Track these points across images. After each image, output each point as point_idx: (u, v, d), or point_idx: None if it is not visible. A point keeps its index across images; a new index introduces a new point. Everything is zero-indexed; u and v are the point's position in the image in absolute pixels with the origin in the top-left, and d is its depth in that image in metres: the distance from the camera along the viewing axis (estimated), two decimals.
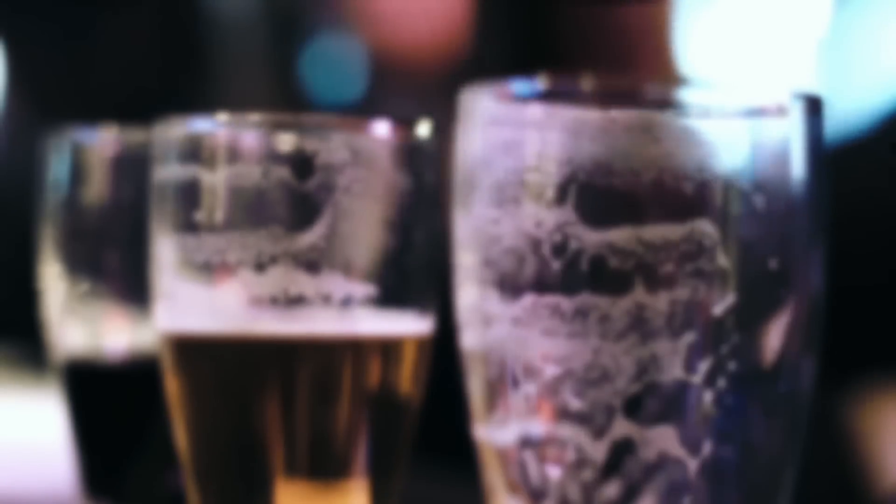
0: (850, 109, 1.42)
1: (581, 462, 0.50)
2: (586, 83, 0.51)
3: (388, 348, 0.58)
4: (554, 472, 0.51)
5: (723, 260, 0.50)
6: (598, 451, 0.50)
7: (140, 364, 0.73)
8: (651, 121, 0.50)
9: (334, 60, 1.67)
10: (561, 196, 0.50)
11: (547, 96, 0.51)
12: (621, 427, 0.50)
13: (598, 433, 0.50)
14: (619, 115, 0.50)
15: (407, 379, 0.59)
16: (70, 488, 0.76)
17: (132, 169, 0.73)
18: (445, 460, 0.93)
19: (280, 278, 0.57)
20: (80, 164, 0.75)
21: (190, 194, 0.58)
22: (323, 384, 0.57)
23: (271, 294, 0.57)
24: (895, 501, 1.19)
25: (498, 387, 0.52)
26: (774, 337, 0.51)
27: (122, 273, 0.74)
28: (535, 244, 0.50)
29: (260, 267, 0.57)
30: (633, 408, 0.50)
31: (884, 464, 1.25)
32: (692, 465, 0.50)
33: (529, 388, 0.51)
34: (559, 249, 0.50)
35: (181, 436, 0.59)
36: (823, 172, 0.52)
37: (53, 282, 0.75)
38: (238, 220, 0.57)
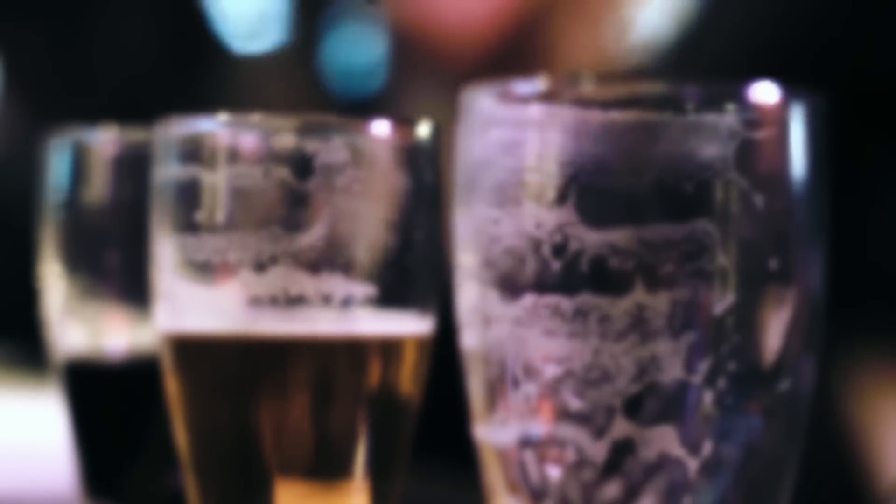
0: None
1: (581, 462, 0.50)
2: (586, 83, 0.51)
3: (388, 348, 0.58)
4: (554, 472, 0.51)
5: (723, 260, 0.50)
6: (599, 451, 0.50)
7: (140, 364, 0.73)
8: (651, 121, 0.50)
9: (356, 49, 1.66)
10: (561, 196, 0.50)
11: (547, 96, 0.51)
12: (621, 427, 0.50)
13: (599, 433, 0.50)
14: (619, 115, 0.50)
15: (407, 379, 0.59)
16: (70, 488, 0.76)
17: (132, 169, 0.73)
18: (445, 460, 0.93)
19: (280, 278, 0.57)
20: (80, 164, 0.75)
21: (190, 194, 0.58)
22: (323, 384, 0.57)
23: (271, 294, 0.57)
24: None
25: (498, 387, 0.52)
26: (774, 337, 0.51)
27: (122, 273, 0.74)
28: (536, 244, 0.50)
29: (260, 267, 0.57)
30: (634, 408, 0.50)
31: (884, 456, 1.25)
32: (692, 465, 0.50)
33: (529, 389, 0.51)
34: (559, 250, 0.50)
35: (181, 436, 0.59)
36: (823, 171, 0.52)
37: (53, 282, 0.75)
38: (238, 220, 0.57)
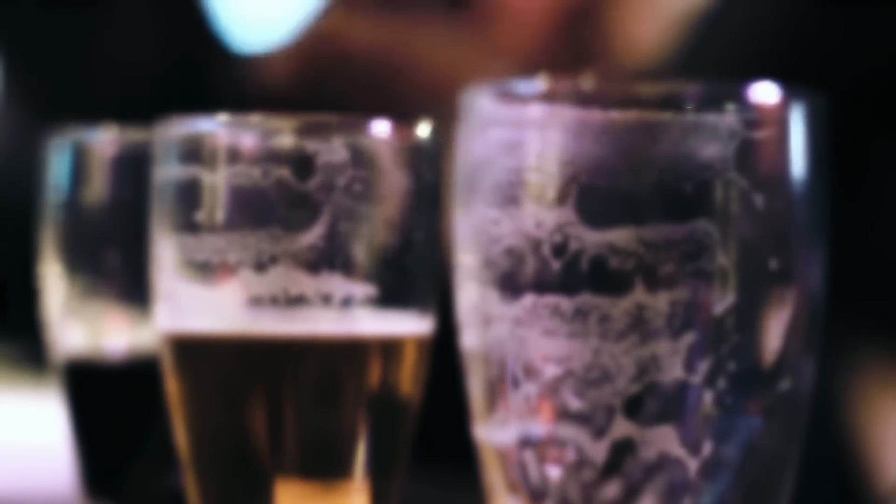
0: None
1: (581, 462, 0.50)
2: (587, 83, 0.51)
3: (388, 348, 0.58)
4: (554, 473, 0.51)
5: (723, 260, 0.50)
6: (599, 451, 0.50)
7: (140, 364, 0.73)
8: (651, 121, 0.50)
9: None
10: (561, 196, 0.50)
11: (547, 96, 0.51)
12: (621, 427, 0.50)
13: (599, 433, 0.50)
14: (619, 115, 0.50)
15: (407, 379, 0.59)
16: (70, 488, 0.76)
17: (132, 169, 0.73)
18: (445, 461, 0.93)
19: (280, 278, 0.57)
20: (80, 164, 0.75)
21: (190, 194, 0.58)
22: (323, 384, 0.57)
23: (271, 294, 0.57)
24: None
25: (498, 387, 0.52)
26: (774, 337, 0.51)
27: (122, 273, 0.74)
28: (536, 244, 0.50)
29: (260, 267, 0.57)
30: (634, 408, 0.50)
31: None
32: (692, 465, 0.50)
33: (529, 389, 0.51)
34: (559, 250, 0.50)
35: (181, 436, 0.59)
36: (823, 171, 0.52)
37: (53, 282, 0.75)
38: (238, 220, 0.57)
